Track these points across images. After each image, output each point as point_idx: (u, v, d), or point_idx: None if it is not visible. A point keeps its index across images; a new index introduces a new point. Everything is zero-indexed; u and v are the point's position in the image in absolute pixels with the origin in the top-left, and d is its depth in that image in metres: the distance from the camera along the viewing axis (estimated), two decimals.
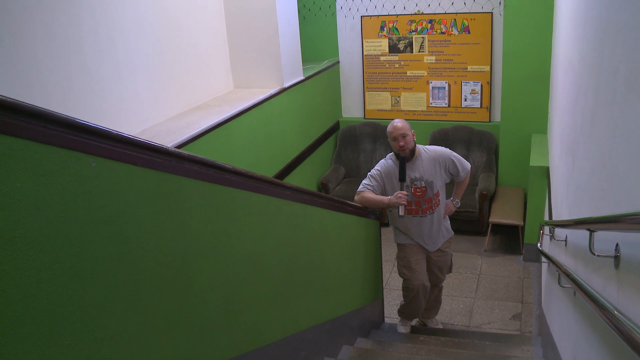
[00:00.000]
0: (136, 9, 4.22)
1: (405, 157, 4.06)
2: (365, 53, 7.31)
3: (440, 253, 4.49)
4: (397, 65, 7.20)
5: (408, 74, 7.17)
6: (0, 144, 1.25)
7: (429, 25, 6.92)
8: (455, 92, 7.03)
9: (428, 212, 4.26)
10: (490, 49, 6.76)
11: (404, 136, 4.03)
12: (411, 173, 4.14)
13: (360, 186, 4.24)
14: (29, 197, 1.32)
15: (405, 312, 4.70)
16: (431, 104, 7.15)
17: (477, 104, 6.98)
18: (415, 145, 4.13)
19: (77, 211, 1.46)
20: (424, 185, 4.18)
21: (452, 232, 4.56)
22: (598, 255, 1.64)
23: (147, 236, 1.73)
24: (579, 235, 2.22)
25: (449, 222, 4.53)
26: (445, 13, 6.82)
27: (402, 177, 4.03)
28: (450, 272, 4.73)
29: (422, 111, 7.18)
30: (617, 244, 1.54)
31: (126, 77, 4.14)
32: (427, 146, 4.33)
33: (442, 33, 6.90)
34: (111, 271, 1.58)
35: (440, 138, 6.82)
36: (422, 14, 6.91)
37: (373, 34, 7.20)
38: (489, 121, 6.97)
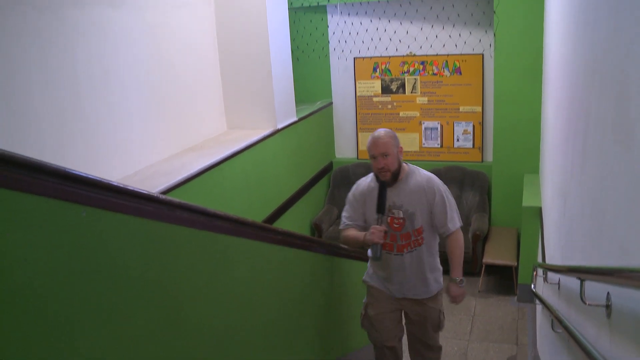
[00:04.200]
0: (131, 51, 4.26)
1: (386, 182, 3.29)
2: (358, 94, 7.39)
3: (420, 307, 3.54)
4: (389, 106, 7.27)
5: (401, 115, 7.23)
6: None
7: (421, 66, 7.02)
8: (447, 132, 7.09)
9: (405, 250, 3.40)
10: (481, 90, 6.84)
11: (384, 155, 3.23)
12: (390, 198, 3.32)
13: (341, 221, 3.57)
14: (16, 248, 1.31)
15: None
16: (424, 144, 7.20)
17: (469, 145, 7.02)
18: (400, 166, 3.32)
19: (66, 261, 1.46)
20: (401, 216, 3.35)
21: (442, 285, 3.60)
22: (589, 305, 1.64)
23: (137, 285, 1.72)
24: (571, 281, 2.22)
25: (440, 272, 3.60)
26: (437, 55, 6.92)
27: (379, 208, 3.27)
28: (440, 329, 3.68)
29: (414, 152, 7.22)
30: (608, 293, 1.53)
31: (120, 118, 4.16)
32: (423, 170, 3.48)
33: (434, 74, 6.99)
34: (101, 320, 1.57)
35: None
36: (414, 55, 7.01)
37: (366, 75, 7.28)
38: (482, 161, 7.01)
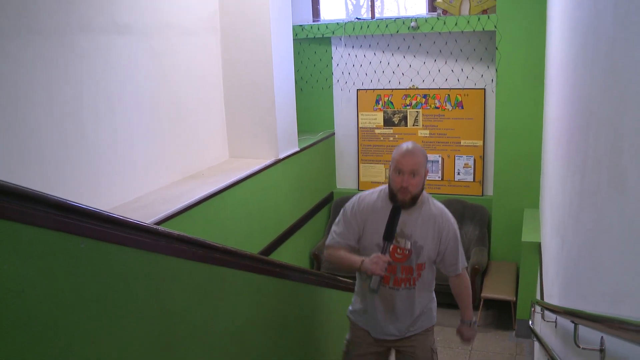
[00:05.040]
0: (136, 78, 4.31)
1: (401, 206, 2.85)
2: (360, 125, 7.43)
3: (408, 341, 3.15)
4: (391, 138, 7.30)
5: None
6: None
7: (423, 99, 7.07)
8: (448, 165, 7.11)
9: (403, 285, 3.02)
10: (483, 124, 6.88)
11: (413, 174, 2.79)
12: (399, 224, 2.89)
13: (329, 236, 3.09)
14: (14, 279, 1.32)
15: None
16: None
17: (470, 178, 7.04)
18: (421, 192, 2.92)
19: (63, 292, 1.46)
20: (409, 246, 2.94)
21: (434, 321, 3.25)
22: (583, 348, 1.64)
23: (134, 316, 1.73)
24: (568, 322, 2.22)
25: (434, 305, 3.26)
26: (439, 88, 6.97)
27: (388, 235, 2.81)
28: None
29: None
30: (602, 337, 1.54)
31: (123, 144, 4.19)
32: (436, 201, 3.12)
33: (436, 108, 7.03)
34: (98, 352, 1.57)
35: None
36: (417, 88, 7.07)
37: (368, 107, 7.33)
38: (482, 195, 7.02)
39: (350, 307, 3.25)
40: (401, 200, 2.82)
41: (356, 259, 2.88)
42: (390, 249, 2.89)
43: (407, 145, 2.86)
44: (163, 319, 1.89)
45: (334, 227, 3.07)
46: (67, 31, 3.64)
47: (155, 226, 1.82)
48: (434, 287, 3.24)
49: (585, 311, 1.57)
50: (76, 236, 1.50)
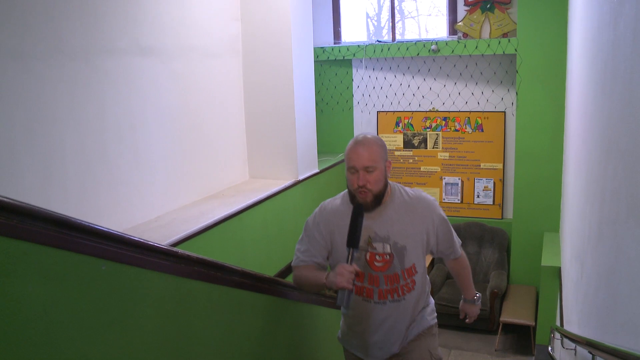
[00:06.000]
0: (158, 99, 4.36)
1: (362, 206, 2.37)
2: None
3: (404, 353, 2.68)
4: (411, 161, 7.30)
5: (422, 170, 7.26)
6: (15, 249, 1.30)
7: (443, 122, 7.07)
8: (468, 188, 7.09)
9: (389, 297, 2.53)
10: (503, 147, 6.86)
11: (368, 169, 2.36)
12: (371, 227, 2.46)
13: (294, 256, 2.62)
14: (37, 300, 1.35)
15: None
16: (444, 199, 7.20)
17: (489, 201, 7.01)
18: (385, 188, 2.46)
19: (84, 313, 1.49)
20: (388, 250, 2.48)
21: (433, 321, 2.75)
22: None
23: (151, 337, 1.75)
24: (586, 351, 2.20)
25: (430, 305, 2.76)
26: (459, 111, 6.98)
27: (351, 241, 2.30)
28: None
29: None
30: None
31: (144, 164, 4.23)
32: (408, 189, 2.62)
33: (456, 130, 7.03)
34: None
35: None
36: (437, 111, 7.08)
37: (388, 129, 7.35)
38: (501, 218, 6.98)
39: (338, 334, 2.84)
40: (362, 202, 2.37)
41: (320, 274, 2.41)
42: (367, 259, 2.48)
43: (357, 137, 2.43)
44: (180, 339, 1.90)
45: (297, 246, 2.61)
46: (91, 53, 3.71)
47: (175, 249, 1.85)
48: (429, 289, 2.78)
49: (604, 343, 1.56)
50: (98, 258, 1.53)
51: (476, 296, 2.89)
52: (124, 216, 3.99)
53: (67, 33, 3.49)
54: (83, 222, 1.49)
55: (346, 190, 2.52)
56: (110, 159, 3.90)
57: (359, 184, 2.34)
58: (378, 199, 2.41)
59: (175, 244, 3.64)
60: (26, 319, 1.32)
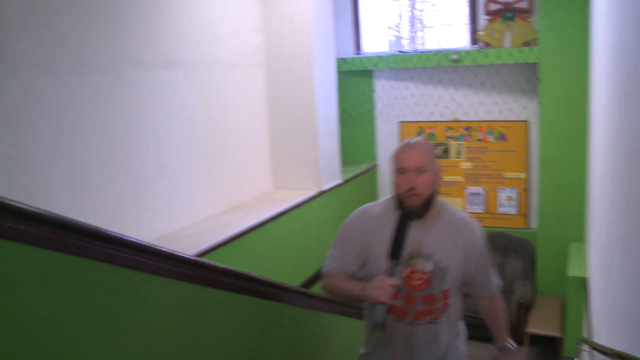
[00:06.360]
0: (182, 111, 4.43)
1: (411, 213, 2.21)
2: None
3: None
4: None
5: (445, 180, 7.24)
6: (55, 261, 1.33)
7: (466, 132, 7.05)
8: (491, 198, 7.05)
9: (424, 319, 2.37)
10: (526, 156, 6.82)
11: (419, 171, 2.20)
12: (415, 241, 2.27)
13: (326, 261, 2.43)
14: (61, 307, 1.38)
15: None
16: (467, 209, 7.16)
17: (513, 211, 6.96)
18: (434, 195, 2.29)
19: (109, 322, 1.51)
20: (430, 269, 2.30)
21: (462, 358, 2.56)
22: None
23: (172, 347, 1.76)
24: None
25: (463, 337, 2.59)
26: (481, 121, 6.95)
27: (395, 251, 2.14)
28: None
29: None
30: None
31: (169, 175, 4.29)
32: (454, 207, 2.47)
33: (479, 140, 7.01)
34: None
35: None
36: (459, 121, 7.06)
37: None
38: (526, 228, 6.92)
39: (361, 350, 2.60)
40: (411, 206, 2.20)
41: (355, 285, 2.21)
42: (406, 274, 2.29)
43: (407, 140, 2.31)
44: (200, 349, 1.92)
45: (330, 250, 2.43)
46: (117, 66, 3.79)
47: (202, 260, 1.87)
48: (461, 317, 2.60)
49: (636, 356, 1.54)
50: (129, 269, 1.55)
51: (509, 343, 2.65)
52: (149, 226, 4.04)
53: (93, 47, 3.57)
54: (114, 234, 1.52)
55: (389, 196, 2.36)
56: (136, 170, 3.96)
57: (410, 185, 2.18)
58: (427, 205, 2.24)
59: (201, 254, 3.68)
60: (58, 329, 1.35)
